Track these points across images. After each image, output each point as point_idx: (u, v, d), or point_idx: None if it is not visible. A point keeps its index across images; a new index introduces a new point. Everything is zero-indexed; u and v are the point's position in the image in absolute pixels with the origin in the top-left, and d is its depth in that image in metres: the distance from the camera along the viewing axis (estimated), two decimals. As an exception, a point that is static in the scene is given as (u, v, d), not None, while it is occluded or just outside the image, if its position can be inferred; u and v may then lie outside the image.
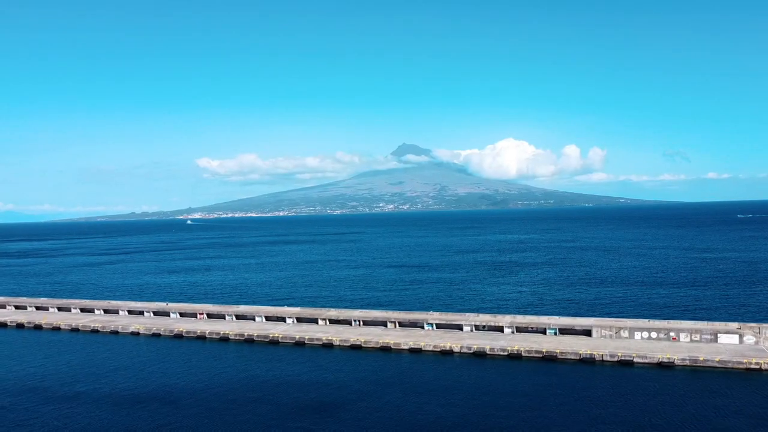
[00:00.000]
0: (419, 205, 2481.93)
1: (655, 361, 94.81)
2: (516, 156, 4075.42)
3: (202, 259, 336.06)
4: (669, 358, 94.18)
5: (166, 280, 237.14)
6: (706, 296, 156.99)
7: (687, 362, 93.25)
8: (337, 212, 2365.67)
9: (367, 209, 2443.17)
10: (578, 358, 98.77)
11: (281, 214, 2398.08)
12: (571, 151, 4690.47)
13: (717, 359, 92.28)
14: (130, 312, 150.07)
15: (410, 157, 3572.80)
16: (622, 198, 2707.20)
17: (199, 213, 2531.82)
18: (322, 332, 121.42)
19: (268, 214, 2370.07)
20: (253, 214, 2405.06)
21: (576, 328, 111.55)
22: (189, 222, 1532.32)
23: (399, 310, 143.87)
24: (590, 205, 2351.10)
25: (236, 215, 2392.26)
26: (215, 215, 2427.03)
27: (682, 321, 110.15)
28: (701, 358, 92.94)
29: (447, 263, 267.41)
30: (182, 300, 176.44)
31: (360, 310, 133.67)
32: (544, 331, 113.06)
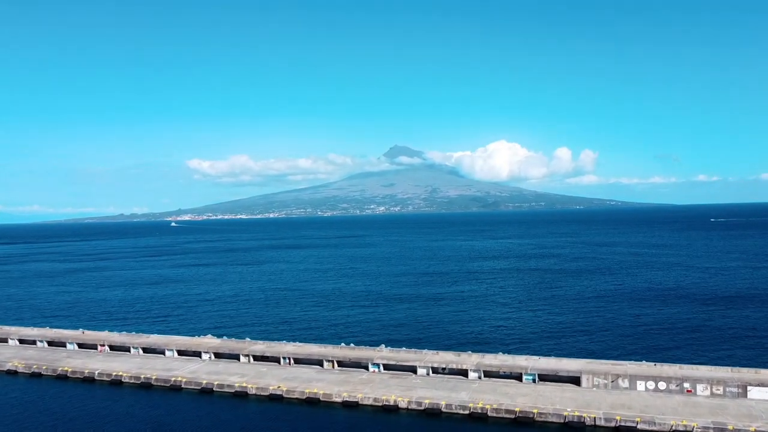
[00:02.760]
0: (410, 207, 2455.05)
1: (667, 428, 69.56)
2: (507, 158, 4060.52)
3: (161, 269, 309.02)
4: (685, 426, 68.90)
5: (104, 295, 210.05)
6: (722, 322, 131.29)
7: (711, 431, 68.07)
8: (328, 214, 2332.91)
9: (358, 211, 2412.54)
10: (562, 421, 73.36)
11: (271, 215, 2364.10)
12: (563, 153, 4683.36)
13: (752, 429, 67.11)
14: (21, 341, 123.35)
15: (402, 158, 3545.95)
16: (612, 200, 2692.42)
17: (189, 215, 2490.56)
18: (238, 375, 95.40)
19: (258, 216, 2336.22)
20: (243, 216, 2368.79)
21: (560, 373, 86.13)
22: (173, 224, 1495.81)
23: (346, 341, 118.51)
24: (581, 207, 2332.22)
25: (226, 217, 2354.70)
26: (204, 217, 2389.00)
27: (698, 366, 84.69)
28: (730, 427, 67.71)
29: (422, 275, 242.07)
30: (102, 323, 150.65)
31: (293, 343, 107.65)
32: (519, 377, 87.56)
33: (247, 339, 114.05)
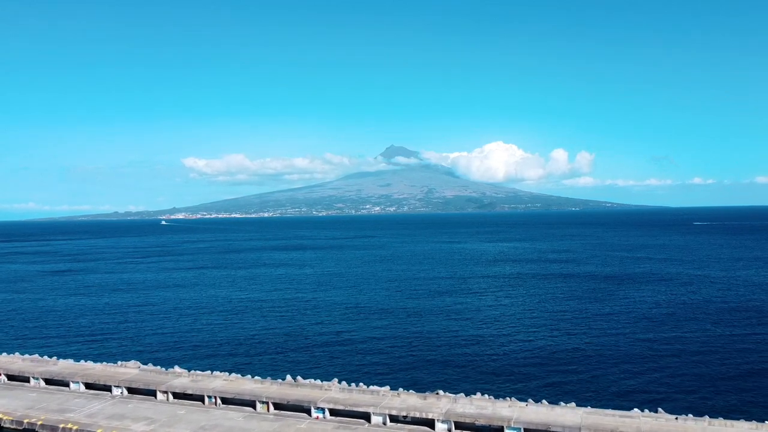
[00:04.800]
0: (406, 207, 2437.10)
1: None
2: (504, 159, 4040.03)
3: (131, 272, 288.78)
4: None
5: (51, 305, 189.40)
6: (760, 352, 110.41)
7: None
8: (323, 214, 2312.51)
9: (353, 211, 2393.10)
10: (555, 506, 53.55)
11: (266, 215, 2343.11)
12: (559, 155, 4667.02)
13: None
14: None
15: (399, 158, 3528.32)
16: (608, 202, 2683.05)
17: (183, 213, 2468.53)
18: (146, 421, 75.24)
19: (253, 215, 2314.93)
20: (238, 215, 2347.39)
21: (553, 428, 66.23)
22: (163, 223, 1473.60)
23: (300, 366, 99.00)
24: (577, 209, 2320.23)
25: (220, 216, 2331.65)
26: (199, 216, 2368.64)
27: (734, 422, 64.75)
28: None
29: (410, 280, 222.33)
30: (24, 341, 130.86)
31: (224, 376, 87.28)
32: (500, 431, 67.80)
33: (176, 367, 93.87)
